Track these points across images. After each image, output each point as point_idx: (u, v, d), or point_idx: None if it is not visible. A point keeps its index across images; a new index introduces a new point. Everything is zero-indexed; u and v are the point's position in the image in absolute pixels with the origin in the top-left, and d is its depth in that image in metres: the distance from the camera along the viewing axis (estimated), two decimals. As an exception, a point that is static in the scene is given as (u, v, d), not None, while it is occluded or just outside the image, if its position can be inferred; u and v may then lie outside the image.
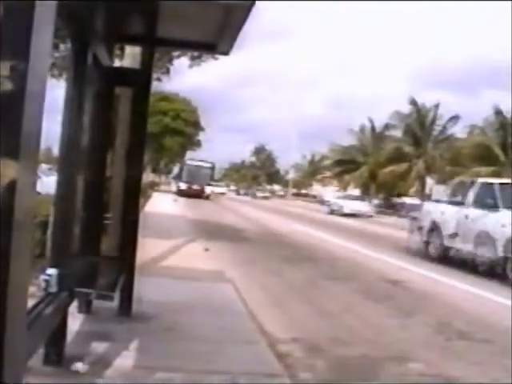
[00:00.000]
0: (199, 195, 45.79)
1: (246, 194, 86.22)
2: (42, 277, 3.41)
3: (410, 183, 49.09)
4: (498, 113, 40.15)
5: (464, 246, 12.53)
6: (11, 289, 1.53)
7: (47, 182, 6.38)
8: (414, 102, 49.89)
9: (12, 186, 1.50)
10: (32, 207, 1.75)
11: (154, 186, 53.19)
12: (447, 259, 13.32)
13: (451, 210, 13.33)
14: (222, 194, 73.94)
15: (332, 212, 39.32)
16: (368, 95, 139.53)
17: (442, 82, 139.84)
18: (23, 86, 1.50)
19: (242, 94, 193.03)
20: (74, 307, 4.64)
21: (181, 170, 53.49)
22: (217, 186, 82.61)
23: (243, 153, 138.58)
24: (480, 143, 39.66)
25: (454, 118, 48.31)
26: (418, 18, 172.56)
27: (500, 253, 10.92)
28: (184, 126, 53.35)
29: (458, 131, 47.70)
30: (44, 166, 23.21)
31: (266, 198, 76.43)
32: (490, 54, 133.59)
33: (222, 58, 10.66)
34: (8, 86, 1.48)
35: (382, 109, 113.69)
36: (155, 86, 14.38)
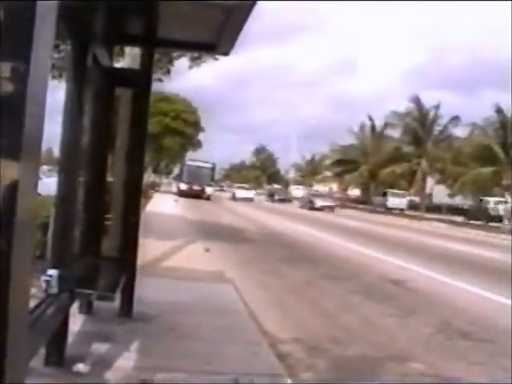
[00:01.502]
0: (200, 196, 45.80)
1: (283, 201, 59.09)
2: (43, 278, 3.41)
3: (415, 183, 49.13)
4: (499, 112, 40.15)
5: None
6: (13, 290, 1.53)
7: (48, 183, 6.37)
8: (415, 100, 49.90)
9: (13, 188, 1.50)
10: (33, 208, 1.75)
11: (154, 186, 53.18)
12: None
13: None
14: (248, 199, 53.35)
15: None
16: (369, 95, 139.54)
17: (442, 81, 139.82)
18: (24, 87, 1.50)
19: (243, 95, 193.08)
20: (75, 308, 4.65)
21: (181, 170, 53.43)
22: (241, 187, 61.88)
23: (244, 153, 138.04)
24: (480, 143, 39.66)
25: (455, 119, 48.35)
26: (419, 17, 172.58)
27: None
28: (184, 126, 53.34)
29: (459, 131, 47.83)
30: (45, 167, 23.19)
31: (330, 208, 44.18)
32: (490, 53, 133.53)
33: (222, 58, 10.66)
34: (9, 87, 1.48)
35: (382, 108, 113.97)
36: (155, 86, 14.39)
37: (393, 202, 51.67)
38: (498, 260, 15.77)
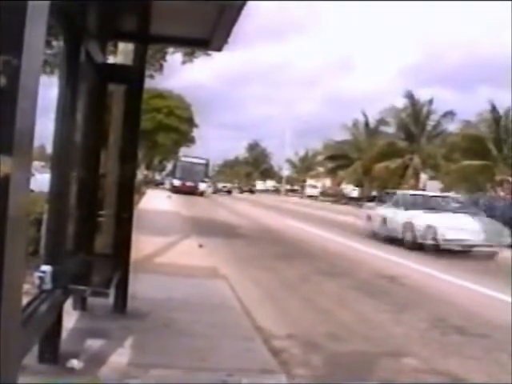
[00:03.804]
0: (193, 192, 45.77)
1: None
2: (37, 274, 3.40)
3: (406, 179, 49.18)
4: (492, 108, 40.32)
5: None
6: (5, 286, 1.52)
7: (41, 180, 6.35)
8: (409, 96, 49.93)
9: (5, 183, 1.49)
10: (26, 204, 1.74)
11: (148, 183, 53.02)
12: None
13: None
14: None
15: None
16: (364, 92, 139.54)
17: (439, 78, 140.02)
18: (16, 82, 1.49)
19: (239, 92, 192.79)
20: (68, 305, 4.63)
21: (174, 166, 53.33)
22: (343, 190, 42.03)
23: (237, 149, 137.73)
24: (473, 138, 39.80)
25: (449, 114, 48.44)
26: (415, 15, 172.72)
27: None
28: (178, 122, 53.16)
29: (452, 127, 47.93)
30: (37, 164, 23.11)
31: None
32: (487, 50, 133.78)
33: (216, 55, 10.62)
34: (1, 82, 1.47)
35: (377, 105, 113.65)
36: (149, 84, 14.34)
37: (310, 191, 76.26)
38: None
